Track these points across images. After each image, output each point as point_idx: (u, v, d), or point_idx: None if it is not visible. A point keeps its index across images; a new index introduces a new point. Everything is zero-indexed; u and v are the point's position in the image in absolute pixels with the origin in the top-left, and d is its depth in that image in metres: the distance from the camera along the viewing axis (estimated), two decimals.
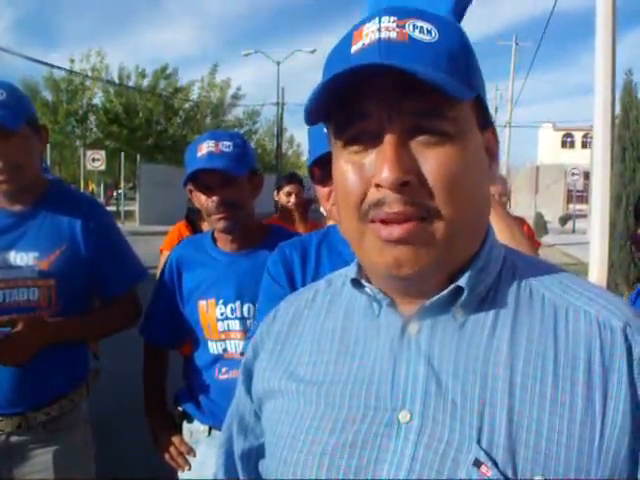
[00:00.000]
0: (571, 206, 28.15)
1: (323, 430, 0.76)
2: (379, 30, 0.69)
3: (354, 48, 0.70)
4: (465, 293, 0.72)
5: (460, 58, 0.70)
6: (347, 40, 0.73)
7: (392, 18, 0.70)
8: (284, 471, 0.78)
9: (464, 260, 0.75)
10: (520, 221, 4.39)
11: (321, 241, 1.63)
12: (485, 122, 0.77)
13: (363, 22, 0.72)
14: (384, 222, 0.69)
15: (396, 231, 0.68)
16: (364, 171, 0.70)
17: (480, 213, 0.75)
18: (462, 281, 0.72)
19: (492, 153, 0.79)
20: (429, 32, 0.69)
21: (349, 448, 0.72)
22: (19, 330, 1.70)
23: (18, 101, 1.85)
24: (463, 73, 0.70)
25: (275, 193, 4.47)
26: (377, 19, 0.70)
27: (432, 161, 0.68)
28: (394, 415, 0.72)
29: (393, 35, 0.68)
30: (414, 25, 0.69)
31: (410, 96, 0.67)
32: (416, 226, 0.68)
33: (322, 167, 1.48)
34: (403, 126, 0.68)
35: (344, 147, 0.73)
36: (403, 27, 0.69)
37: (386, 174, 0.66)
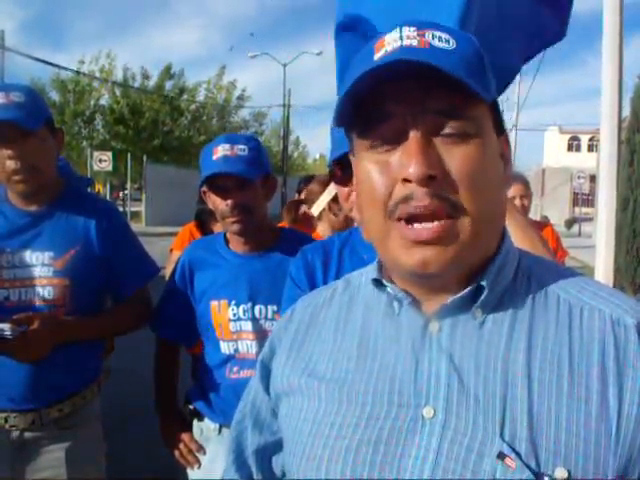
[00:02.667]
0: (577, 209, 28.08)
1: (347, 426, 0.78)
2: (401, 38, 0.72)
3: (377, 55, 0.73)
4: (485, 293, 0.75)
5: (477, 66, 0.73)
6: (369, 50, 0.75)
7: (412, 28, 0.73)
8: (307, 467, 0.80)
9: (483, 259, 0.77)
10: (543, 225, 4.36)
11: (343, 244, 1.63)
12: (499, 129, 0.80)
13: (383, 33, 0.75)
14: (410, 221, 0.72)
15: (424, 233, 0.71)
16: (390, 169, 0.73)
17: (499, 212, 0.79)
18: (483, 280, 0.75)
19: (506, 158, 0.82)
20: (447, 41, 0.72)
21: (374, 444, 0.75)
22: (35, 328, 1.73)
23: (36, 103, 1.89)
24: (481, 78, 0.73)
25: (296, 196, 4.47)
26: (398, 29, 0.74)
27: (456, 158, 0.71)
28: (418, 411, 0.74)
29: (414, 42, 0.71)
30: (433, 34, 0.72)
31: (432, 95, 0.70)
32: (443, 226, 0.70)
33: (343, 167, 1.49)
34: (427, 124, 0.71)
35: (369, 148, 0.75)
36: (423, 36, 0.72)
37: (413, 168, 0.69)
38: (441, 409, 0.73)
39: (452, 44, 0.72)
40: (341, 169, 1.51)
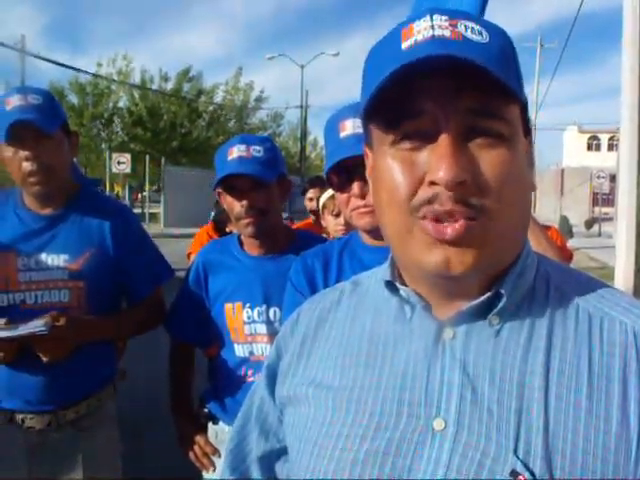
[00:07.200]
0: (597, 209, 27.74)
1: (354, 437, 0.74)
2: (432, 27, 0.67)
3: (405, 44, 0.68)
4: (504, 299, 0.71)
5: (512, 62, 0.70)
6: (395, 37, 0.70)
7: (444, 17, 0.68)
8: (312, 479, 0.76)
9: (505, 265, 0.74)
10: (546, 228, 4.32)
11: (343, 248, 1.61)
12: (526, 130, 0.75)
13: (411, 20, 0.70)
14: (434, 220, 0.67)
15: (449, 231, 0.66)
16: (415, 168, 0.69)
17: (525, 216, 0.75)
18: (503, 286, 0.72)
19: (531, 160, 0.77)
20: (480, 33, 0.68)
21: (382, 456, 0.71)
22: (61, 325, 1.73)
23: (53, 106, 1.91)
24: (515, 75, 0.69)
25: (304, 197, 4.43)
26: (429, 17, 0.68)
27: (488, 162, 0.67)
28: (428, 422, 0.70)
29: (447, 33, 0.66)
30: (465, 25, 0.68)
31: (466, 93, 0.66)
32: (467, 225, 0.66)
33: (339, 173, 1.48)
34: (460, 125, 0.67)
35: (392, 144, 0.71)
36: (455, 27, 0.67)
37: (443, 172, 0.65)
38: (452, 422, 0.69)
39: (485, 37, 0.67)
40: (337, 175, 1.50)
